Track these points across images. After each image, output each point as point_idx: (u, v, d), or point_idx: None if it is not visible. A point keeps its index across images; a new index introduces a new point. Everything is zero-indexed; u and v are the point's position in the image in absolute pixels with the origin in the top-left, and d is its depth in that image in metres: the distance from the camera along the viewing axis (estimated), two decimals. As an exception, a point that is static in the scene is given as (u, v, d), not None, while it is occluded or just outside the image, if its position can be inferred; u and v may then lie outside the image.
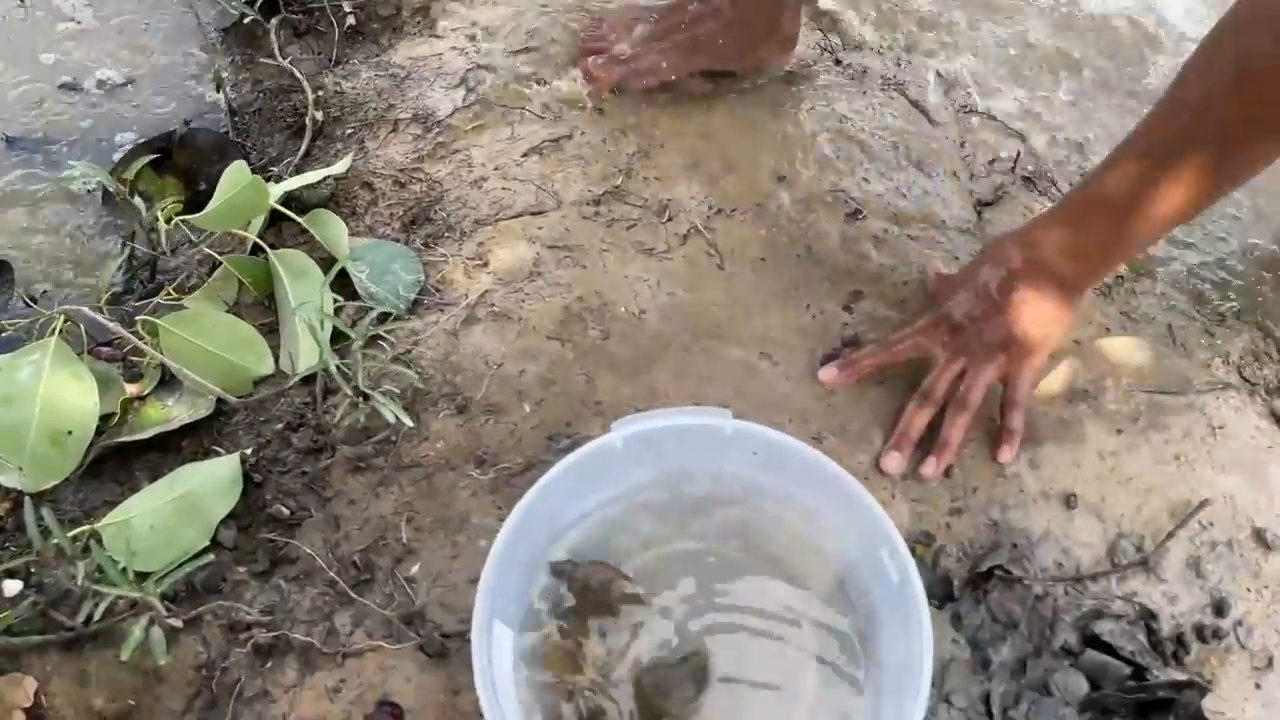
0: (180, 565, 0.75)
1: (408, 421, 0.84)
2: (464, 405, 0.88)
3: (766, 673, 0.75)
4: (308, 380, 0.92)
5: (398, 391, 0.86)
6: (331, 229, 0.99)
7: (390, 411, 0.83)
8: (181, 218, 0.98)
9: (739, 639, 0.76)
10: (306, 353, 0.90)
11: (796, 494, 0.78)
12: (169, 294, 1.00)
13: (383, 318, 0.92)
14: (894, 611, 0.72)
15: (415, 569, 0.80)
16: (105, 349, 0.99)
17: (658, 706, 0.71)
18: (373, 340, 0.88)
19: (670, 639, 0.75)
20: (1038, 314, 0.87)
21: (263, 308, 1.01)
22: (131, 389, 0.96)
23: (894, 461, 0.87)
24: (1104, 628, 0.80)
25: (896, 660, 0.71)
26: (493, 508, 0.82)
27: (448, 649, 0.75)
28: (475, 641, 0.67)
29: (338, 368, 0.84)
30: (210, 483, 0.84)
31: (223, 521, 0.83)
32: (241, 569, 0.81)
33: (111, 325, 0.91)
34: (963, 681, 0.78)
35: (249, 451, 0.86)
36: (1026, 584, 0.81)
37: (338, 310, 0.94)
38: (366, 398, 0.85)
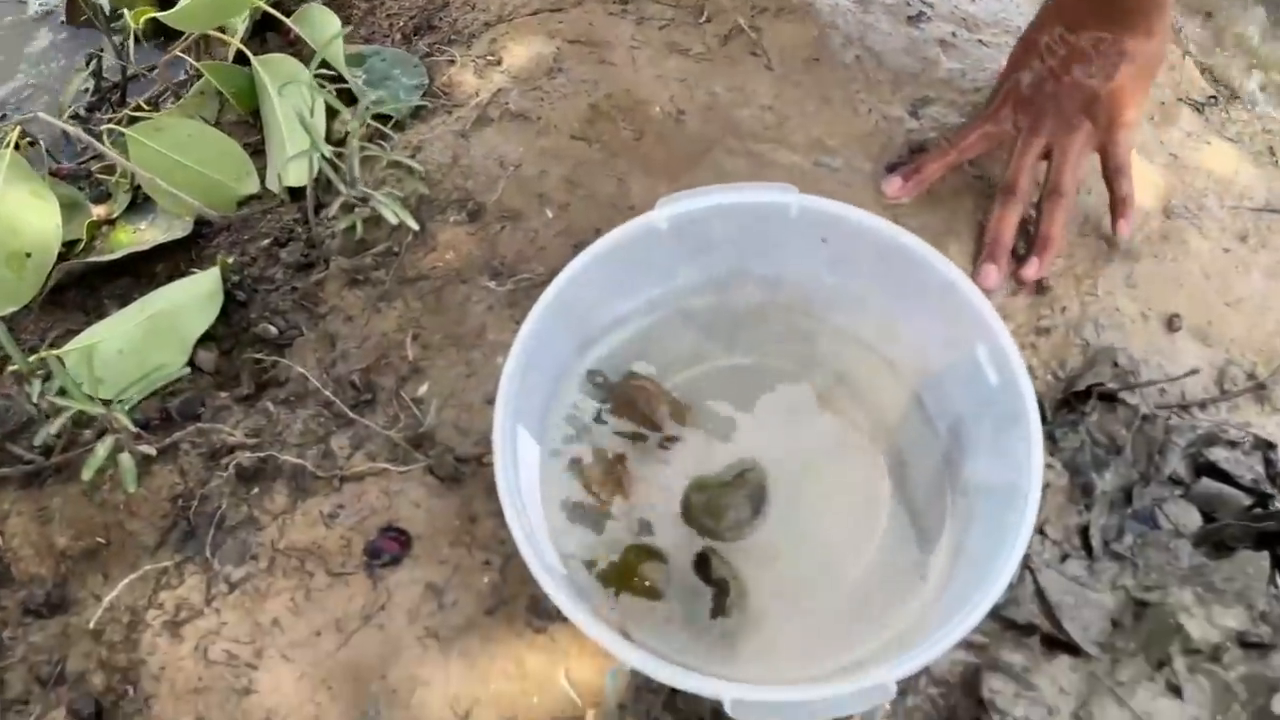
0: (147, 377, 0.65)
1: (412, 224, 0.72)
2: (476, 211, 0.76)
3: (831, 499, 0.64)
4: (297, 196, 0.81)
5: (401, 196, 0.74)
6: (321, 27, 0.86)
7: (391, 212, 0.72)
8: (154, 15, 0.85)
9: (798, 462, 0.65)
10: (296, 145, 0.78)
11: (869, 298, 0.66)
12: (140, 108, 0.89)
13: (383, 121, 0.81)
14: (989, 422, 0.61)
15: (423, 389, 0.69)
16: (68, 167, 0.87)
17: (708, 529, 0.61)
18: (371, 140, 0.77)
19: (721, 459, 0.64)
20: (1115, 59, 0.75)
21: (248, 126, 0.89)
22: (99, 211, 0.85)
23: (991, 276, 0.75)
24: (1219, 454, 0.69)
25: (991, 482, 0.60)
26: (510, 322, 0.71)
27: (462, 473, 0.65)
28: (497, 451, 0.56)
29: (332, 164, 0.72)
30: (186, 299, 0.73)
31: (202, 344, 0.73)
32: (223, 394, 0.71)
33: (74, 130, 0.79)
34: (1058, 511, 0.67)
35: (230, 261, 0.75)
36: (1132, 404, 0.70)
37: (332, 111, 0.83)
38: (365, 200, 0.73)
